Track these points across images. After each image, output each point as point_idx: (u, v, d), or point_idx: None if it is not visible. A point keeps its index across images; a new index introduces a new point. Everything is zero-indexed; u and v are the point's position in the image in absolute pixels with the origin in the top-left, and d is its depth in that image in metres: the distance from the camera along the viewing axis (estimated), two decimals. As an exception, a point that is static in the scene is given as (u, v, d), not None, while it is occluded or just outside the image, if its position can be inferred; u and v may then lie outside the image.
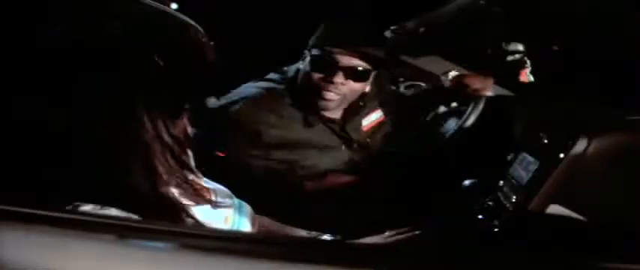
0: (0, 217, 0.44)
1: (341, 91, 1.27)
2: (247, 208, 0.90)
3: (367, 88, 1.36)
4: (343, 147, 1.40)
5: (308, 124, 1.33)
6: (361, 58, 1.25)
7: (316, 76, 1.26)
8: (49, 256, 0.42)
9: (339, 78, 1.24)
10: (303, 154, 1.32)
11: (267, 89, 1.33)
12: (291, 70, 1.37)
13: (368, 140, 1.46)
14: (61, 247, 0.43)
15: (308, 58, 1.29)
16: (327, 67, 1.24)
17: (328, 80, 1.25)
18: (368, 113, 1.45)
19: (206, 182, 0.86)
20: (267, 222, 1.06)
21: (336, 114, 1.38)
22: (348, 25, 1.32)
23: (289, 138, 1.30)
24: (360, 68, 1.26)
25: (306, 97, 1.31)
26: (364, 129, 1.45)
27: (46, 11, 0.61)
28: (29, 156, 0.57)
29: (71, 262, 0.42)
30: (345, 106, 1.37)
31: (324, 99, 1.28)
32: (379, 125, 1.48)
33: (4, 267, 0.41)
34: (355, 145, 1.42)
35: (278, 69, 1.41)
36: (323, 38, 1.28)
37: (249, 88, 1.35)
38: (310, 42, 1.32)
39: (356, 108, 1.41)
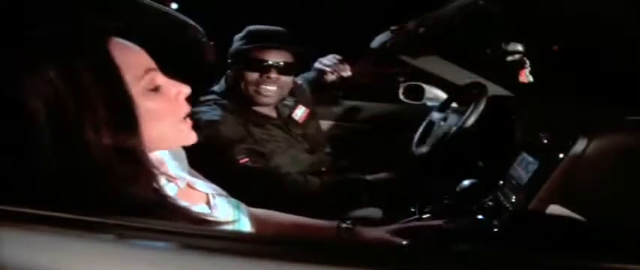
0: (0, 217, 0.44)
1: (277, 85, 1.45)
2: (244, 207, 0.90)
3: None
4: (296, 143, 1.54)
5: (259, 125, 1.47)
6: (286, 54, 1.45)
7: (253, 75, 1.42)
8: (49, 256, 0.42)
9: (273, 73, 1.42)
10: (269, 156, 1.43)
11: (215, 108, 1.44)
12: (221, 85, 1.53)
13: (306, 132, 1.61)
14: (61, 247, 0.43)
15: (239, 63, 1.44)
16: (262, 66, 1.42)
17: (265, 77, 1.42)
18: (294, 110, 1.63)
19: (201, 185, 0.85)
20: (278, 216, 1.02)
21: (273, 113, 1.54)
22: (270, 29, 1.49)
23: (250, 143, 1.41)
24: (281, 63, 1.43)
25: (246, 97, 1.45)
26: (300, 122, 1.62)
27: (46, 12, 0.60)
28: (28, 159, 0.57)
29: (71, 262, 0.42)
30: (276, 103, 1.53)
31: (264, 95, 1.44)
32: (308, 118, 1.65)
33: (5, 267, 0.41)
34: (299, 139, 1.57)
35: (206, 89, 1.54)
36: (252, 41, 1.45)
37: (202, 113, 1.43)
38: (235, 48, 1.47)
39: (284, 106, 1.59)
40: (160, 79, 0.66)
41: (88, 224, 0.46)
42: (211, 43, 1.57)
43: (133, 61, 0.63)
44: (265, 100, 1.46)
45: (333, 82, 1.81)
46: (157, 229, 0.49)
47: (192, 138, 0.70)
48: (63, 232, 0.44)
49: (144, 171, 0.61)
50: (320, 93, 1.83)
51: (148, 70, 0.64)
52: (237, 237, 0.59)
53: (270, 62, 1.42)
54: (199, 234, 0.51)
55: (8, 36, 0.58)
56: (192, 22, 1.39)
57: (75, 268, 0.42)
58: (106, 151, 0.57)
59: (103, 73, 0.59)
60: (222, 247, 0.45)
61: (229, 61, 1.50)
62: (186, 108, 0.69)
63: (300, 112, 1.63)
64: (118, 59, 0.61)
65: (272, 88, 1.44)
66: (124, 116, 0.59)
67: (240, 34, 1.50)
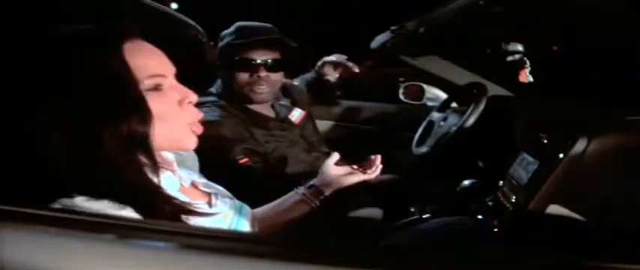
0: (0, 217, 0.44)
1: (267, 83, 1.45)
2: (247, 209, 0.90)
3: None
4: (296, 143, 1.54)
5: (259, 125, 1.46)
6: (274, 51, 1.45)
7: (243, 76, 1.43)
8: (49, 256, 0.42)
9: (263, 72, 1.43)
10: (270, 156, 1.43)
11: (214, 109, 1.44)
12: (218, 85, 1.54)
13: (304, 133, 1.61)
14: (61, 247, 0.43)
15: (228, 63, 1.44)
16: (251, 65, 1.42)
17: (256, 76, 1.43)
18: (290, 111, 1.62)
19: (206, 186, 0.86)
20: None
21: (271, 113, 1.54)
22: (257, 25, 1.48)
23: (251, 143, 1.41)
24: (269, 61, 1.43)
25: (241, 97, 1.46)
26: (296, 122, 1.61)
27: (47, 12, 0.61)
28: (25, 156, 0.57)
29: (71, 262, 0.42)
30: (270, 99, 1.54)
31: (258, 93, 1.45)
32: (305, 119, 1.65)
33: (4, 267, 0.41)
34: (298, 138, 1.57)
35: (203, 91, 1.53)
36: (238, 37, 1.44)
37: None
38: (223, 44, 1.46)
39: (281, 107, 1.60)
40: (166, 83, 0.68)
41: (88, 224, 0.47)
42: (211, 43, 1.57)
43: (141, 63, 0.66)
44: (259, 97, 1.47)
45: (332, 83, 1.80)
46: (157, 229, 0.49)
47: (191, 144, 0.72)
48: (63, 232, 0.44)
49: (149, 161, 0.65)
50: (319, 93, 1.83)
51: (153, 75, 0.67)
52: (237, 237, 0.59)
53: (259, 61, 1.42)
54: (199, 234, 0.51)
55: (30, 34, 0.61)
56: (192, 22, 1.39)
57: (75, 268, 0.42)
58: (115, 141, 0.61)
59: (112, 70, 0.63)
60: (222, 247, 0.46)
61: (218, 61, 1.49)
62: (192, 114, 0.71)
63: (296, 114, 1.63)
64: (129, 60, 0.64)
65: (263, 86, 1.45)
66: (132, 109, 0.63)
67: (229, 30, 1.49)
